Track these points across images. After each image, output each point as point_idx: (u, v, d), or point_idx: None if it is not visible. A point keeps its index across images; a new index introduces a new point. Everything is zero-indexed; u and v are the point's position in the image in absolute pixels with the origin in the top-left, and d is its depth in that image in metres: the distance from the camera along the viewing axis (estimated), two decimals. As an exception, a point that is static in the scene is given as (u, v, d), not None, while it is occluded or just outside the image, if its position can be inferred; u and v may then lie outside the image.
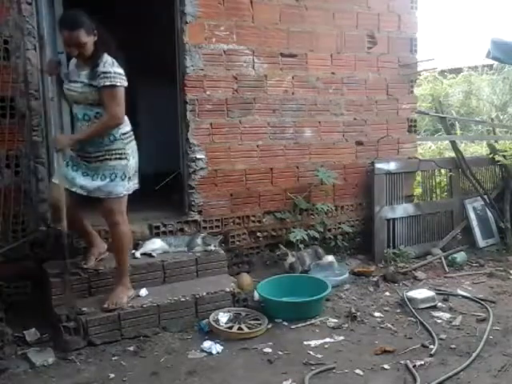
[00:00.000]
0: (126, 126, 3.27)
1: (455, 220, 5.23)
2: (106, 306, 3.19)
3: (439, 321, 3.47)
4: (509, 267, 4.59)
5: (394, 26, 4.95)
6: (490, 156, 5.54)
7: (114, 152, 3.20)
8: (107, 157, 3.19)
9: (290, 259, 4.14)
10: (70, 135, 3.35)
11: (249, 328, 3.29)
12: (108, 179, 3.20)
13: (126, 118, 3.24)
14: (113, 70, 3.03)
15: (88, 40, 3.03)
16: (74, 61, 3.22)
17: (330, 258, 4.43)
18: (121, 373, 2.84)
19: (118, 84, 3.05)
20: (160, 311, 3.31)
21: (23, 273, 3.54)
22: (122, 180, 3.23)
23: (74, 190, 3.22)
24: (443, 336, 3.21)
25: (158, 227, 4.04)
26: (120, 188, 3.23)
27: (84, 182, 3.22)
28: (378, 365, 2.87)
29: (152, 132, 6.08)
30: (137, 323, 3.23)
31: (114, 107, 3.05)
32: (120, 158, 3.22)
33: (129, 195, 3.34)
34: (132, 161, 3.29)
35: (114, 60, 3.08)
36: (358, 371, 2.80)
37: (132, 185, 3.33)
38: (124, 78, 3.11)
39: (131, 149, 3.29)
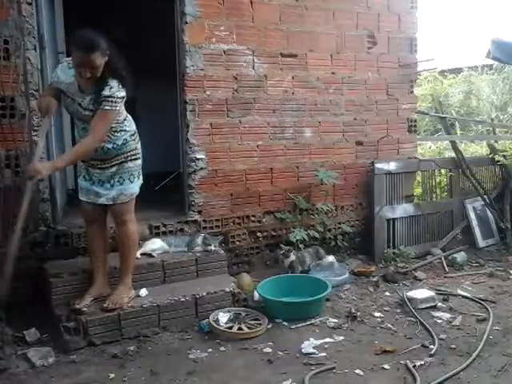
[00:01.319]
0: (133, 125, 3.29)
1: (455, 220, 5.23)
2: (105, 305, 3.19)
3: (439, 321, 3.47)
4: (509, 267, 4.59)
5: (394, 26, 4.95)
6: (490, 156, 5.54)
7: (129, 154, 3.23)
8: (123, 160, 3.20)
9: (291, 258, 4.14)
10: (52, 163, 3.10)
11: (249, 328, 3.29)
12: (127, 181, 3.22)
13: (129, 116, 3.26)
14: (116, 94, 2.97)
15: (102, 62, 2.92)
16: (72, 72, 3.03)
17: (331, 258, 4.43)
18: (121, 373, 2.83)
19: (114, 109, 3.00)
20: (160, 311, 3.31)
21: (23, 273, 3.54)
22: (138, 179, 3.30)
23: (100, 202, 3.22)
24: (443, 336, 3.21)
25: (158, 227, 4.04)
26: (137, 187, 3.29)
27: (105, 191, 3.21)
28: (377, 365, 2.87)
29: (152, 132, 6.09)
30: (137, 323, 3.23)
31: (101, 129, 2.98)
32: (136, 159, 3.27)
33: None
34: (140, 160, 3.34)
35: (119, 83, 3.00)
36: (358, 371, 2.80)
37: (137, 187, 3.35)
38: (123, 99, 3.07)
39: (140, 147, 3.33)
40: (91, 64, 2.88)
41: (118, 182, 3.21)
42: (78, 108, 3.08)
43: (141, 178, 3.33)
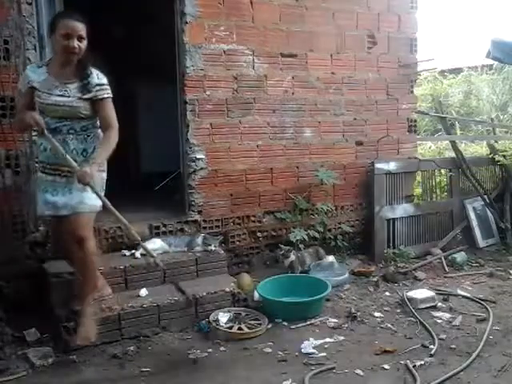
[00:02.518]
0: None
1: (455, 220, 5.22)
2: (78, 342, 2.94)
3: (439, 321, 3.47)
4: (509, 267, 4.59)
5: (394, 26, 4.95)
6: (490, 156, 5.54)
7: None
8: None
9: (291, 258, 4.14)
10: (95, 162, 2.85)
11: (249, 328, 3.29)
12: (89, 192, 2.87)
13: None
14: (106, 81, 2.94)
15: (86, 43, 2.85)
16: (44, 69, 2.92)
17: (331, 258, 4.43)
18: (121, 373, 2.83)
19: (111, 96, 2.97)
20: (160, 311, 3.31)
21: (23, 273, 3.54)
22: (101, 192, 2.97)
23: (61, 213, 2.94)
24: (443, 336, 3.21)
25: (157, 227, 4.04)
26: (99, 202, 2.94)
27: (65, 199, 2.91)
28: (377, 365, 2.87)
29: (152, 132, 6.09)
30: (137, 323, 3.23)
31: (115, 119, 2.95)
32: (102, 171, 3.00)
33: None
34: (104, 173, 3.06)
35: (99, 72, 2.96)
36: (358, 371, 2.80)
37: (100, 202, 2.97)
38: None
39: (105, 161, 3.02)
40: (80, 33, 2.80)
41: (83, 189, 2.86)
42: (58, 99, 2.86)
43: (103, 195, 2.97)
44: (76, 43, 2.81)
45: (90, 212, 2.96)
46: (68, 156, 2.85)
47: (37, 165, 3.13)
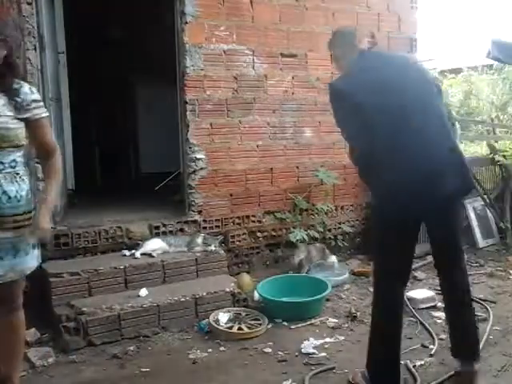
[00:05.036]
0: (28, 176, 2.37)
1: (455, 220, 5.22)
2: None
3: (439, 321, 3.47)
4: (509, 267, 4.59)
5: (394, 25, 4.95)
6: (490, 156, 5.54)
7: (29, 214, 2.28)
8: (21, 223, 2.23)
9: (300, 255, 4.12)
10: (45, 209, 2.28)
11: (249, 328, 3.29)
12: (22, 252, 2.23)
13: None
14: (40, 96, 2.37)
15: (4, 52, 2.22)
16: None
17: (333, 258, 4.42)
18: (121, 373, 2.83)
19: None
20: (160, 311, 3.31)
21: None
22: (34, 248, 2.32)
23: None
24: (443, 336, 3.20)
25: (157, 227, 4.04)
26: (34, 261, 2.33)
27: (8, 263, 2.21)
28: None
29: (152, 132, 6.09)
30: (137, 323, 3.23)
31: (54, 141, 2.40)
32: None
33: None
34: None
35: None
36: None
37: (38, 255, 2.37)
38: None
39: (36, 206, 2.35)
40: None
41: (12, 254, 2.20)
42: None
43: (37, 246, 2.34)
44: None
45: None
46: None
47: None
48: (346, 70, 2.62)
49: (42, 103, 2.33)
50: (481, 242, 5.19)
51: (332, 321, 3.49)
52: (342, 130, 2.53)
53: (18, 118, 2.23)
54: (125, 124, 6.51)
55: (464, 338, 2.54)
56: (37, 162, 3.08)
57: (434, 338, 3.16)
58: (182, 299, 3.40)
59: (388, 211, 2.36)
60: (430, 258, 4.75)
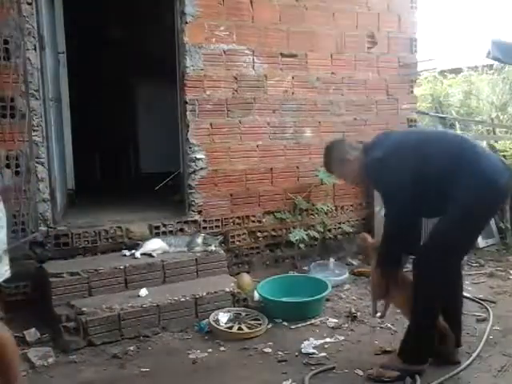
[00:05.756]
0: None
1: (455, 220, 5.22)
2: None
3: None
4: (509, 267, 4.59)
5: (394, 25, 4.95)
6: (490, 156, 5.53)
7: None
8: None
9: None
10: None
11: (249, 328, 3.29)
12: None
13: None
14: None
15: None
16: None
17: (331, 258, 4.43)
18: (120, 373, 2.83)
19: None
20: (160, 311, 3.31)
21: (23, 273, 3.54)
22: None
23: None
24: (443, 336, 3.20)
25: (157, 227, 4.04)
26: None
27: None
28: (378, 365, 2.86)
29: (151, 132, 6.09)
30: (137, 323, 3.23)
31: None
32: None
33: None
34: (2, 232, 2.16)
35: None
36: (358, 371, 2.79)
37: (3, 270, 2.17)
38: None
39: (2, 212, 2.17)
40: None
41: None
42: None
43: (6, 260, 2.17)
44: None
45: None
46: None
47: None
48: (362, 161, 2.79)
49: None
50: (481, 241, 5.18)
51: (332, 321, 3.49)
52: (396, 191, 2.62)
53: None
54: (125, 124, 6.53)
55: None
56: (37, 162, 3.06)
57: (434, 338, 3.15)
58: (182, 299, 3.40)
59: (494, 197, 2.59)
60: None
